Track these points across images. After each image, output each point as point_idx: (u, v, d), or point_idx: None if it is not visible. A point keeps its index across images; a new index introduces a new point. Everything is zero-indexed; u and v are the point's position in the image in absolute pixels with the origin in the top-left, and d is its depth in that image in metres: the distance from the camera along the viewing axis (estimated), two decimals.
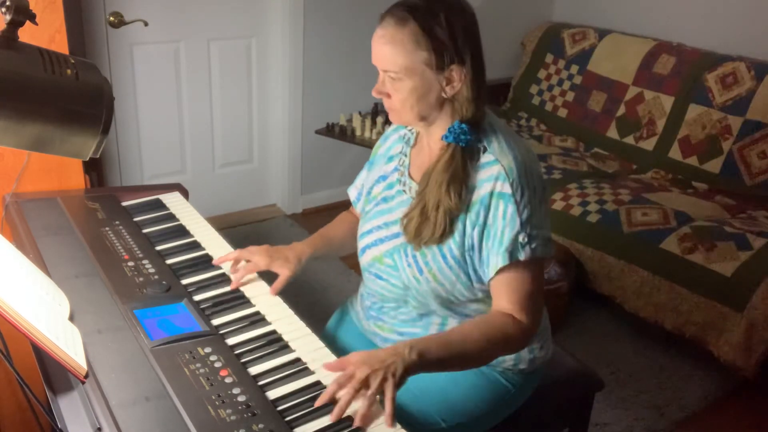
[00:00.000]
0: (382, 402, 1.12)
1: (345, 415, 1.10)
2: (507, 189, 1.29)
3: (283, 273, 1.48)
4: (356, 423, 1.09)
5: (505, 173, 1.29)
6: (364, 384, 1.12)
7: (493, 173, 1.30)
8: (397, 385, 1.13)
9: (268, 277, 1.50)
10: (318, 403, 1.12)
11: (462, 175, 1.31)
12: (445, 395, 1.42)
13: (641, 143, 3.45)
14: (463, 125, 1.31)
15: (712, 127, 3.19)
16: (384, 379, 1.12)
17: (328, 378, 1.19)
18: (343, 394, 1.11)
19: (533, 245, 1.30)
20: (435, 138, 1.37)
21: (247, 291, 1.44)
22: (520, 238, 1.29)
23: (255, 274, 1.50)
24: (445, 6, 1.28)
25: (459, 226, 1.33)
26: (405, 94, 1.30)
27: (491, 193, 1.30)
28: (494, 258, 1.31)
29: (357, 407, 1.11)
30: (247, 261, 1.50)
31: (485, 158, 1.32)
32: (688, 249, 2.57)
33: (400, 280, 1.42)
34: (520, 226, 1.29)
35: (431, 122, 1.36)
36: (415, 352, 1.17)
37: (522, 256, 1.30)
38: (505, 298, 1.33)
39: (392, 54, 1.27)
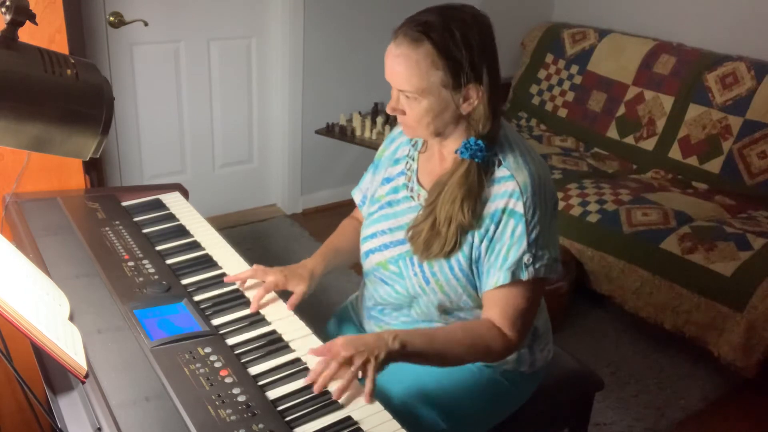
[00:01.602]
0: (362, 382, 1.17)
1: (347, 416, 1.11)
2: (519, 208, 1.28)
3: (299, 290, 1.44)
4: (334, 396, 1.14)
5: (520, 191, 1.28)
6: (348, 362, 1.17)
7: (508, 189, 1.29)
8: (378, 368, 1.19)
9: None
10: (306, 382, 1.17)
11: (477, 191, 1.30)
12: (445, 396, 1.42)
13: (641, 143, 3.44)
14: (480, 142, 1.29)
15: (712, 127, 3.19)
16: (367, 360, 1.17)
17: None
18: (327, 369, 1.17)
19: (537, 265, 1.30)
20: (448, 148, 1.36)
21: (247, 291, 1.44)
22: (525, 258, 1.29)
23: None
24: (460, 22, 1.24)
25: (468, 238, 1.33)
26: (421, 114, 1.29)
27: (503, 210, 1.29)
28: (495, 274, 1.31)
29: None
30: (261, 281, 1.44)
31: (500, 172, 1.31)
32: (688, 249, 2.57)
33: (405, 288, 1.42)
34: (527, 246, 1.29)
35: (446, 136, 1.35)
36: (399, 342, 1.22)
37: (524, 276, 1.30)
38: (498, 313, 1.33)
39: (407, 75, 1.25)
